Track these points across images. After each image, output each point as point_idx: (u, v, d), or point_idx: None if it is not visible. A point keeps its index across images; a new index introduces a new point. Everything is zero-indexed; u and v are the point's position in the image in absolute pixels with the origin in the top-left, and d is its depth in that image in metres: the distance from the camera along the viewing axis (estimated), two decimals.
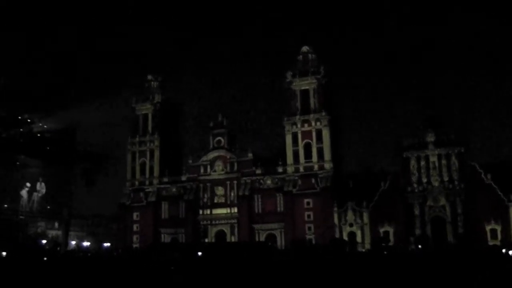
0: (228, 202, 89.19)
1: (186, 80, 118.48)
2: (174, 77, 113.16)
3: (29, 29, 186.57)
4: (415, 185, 76.48)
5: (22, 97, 64.61)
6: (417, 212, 75.11)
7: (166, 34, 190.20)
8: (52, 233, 76.39)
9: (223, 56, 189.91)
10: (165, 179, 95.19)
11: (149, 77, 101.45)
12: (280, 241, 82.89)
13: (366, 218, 77.82)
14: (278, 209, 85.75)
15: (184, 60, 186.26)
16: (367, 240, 75.36)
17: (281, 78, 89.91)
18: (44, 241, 70.96)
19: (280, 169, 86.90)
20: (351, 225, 78.36)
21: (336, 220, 79.35)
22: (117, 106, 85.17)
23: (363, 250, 68.19)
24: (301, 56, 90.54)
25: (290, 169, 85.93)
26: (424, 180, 76.39)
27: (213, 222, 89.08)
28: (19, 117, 63.81)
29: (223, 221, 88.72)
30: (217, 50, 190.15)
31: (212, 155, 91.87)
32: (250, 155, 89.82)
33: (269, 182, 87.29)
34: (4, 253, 56.38)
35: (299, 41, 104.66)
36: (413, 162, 77.27)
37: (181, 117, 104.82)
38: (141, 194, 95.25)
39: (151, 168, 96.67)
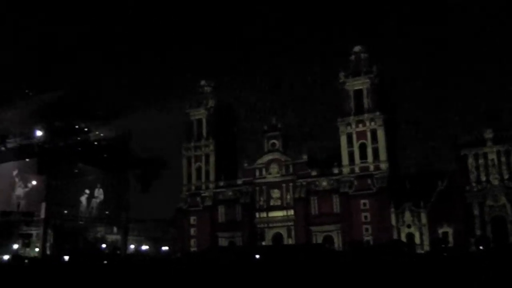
0: (284, 205, 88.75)
1: (238, 84, 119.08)
2: (227, 81, 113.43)
3: (84, 40, 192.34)
4: (474, 184, 73.76)
5: (79, 107, 66.53)
6: (476, 212, 72.37)
7: (218, 39, 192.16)
8: (111, 237, 78.21)
9: (275, 59, 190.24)
10: (221, 183, 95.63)
11: (202, 82, 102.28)
12: (338, 243, 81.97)
13: (424, 219, 75.66)
14: (335, 210, 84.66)
15: (236, 63, 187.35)
16: (426, 241, 73.46)
17: (334, 79, 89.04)
18: (104, 246, 72.66)
19: (335, 170, 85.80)
20: (409, 226, 76.48)
21: (393, 221, 77.69)
22: (171, 112, 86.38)
23: (422, 252, 66.53)
24: (353, 56, 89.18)
25: (345, 170, 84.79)
26: (483, 178, 73.54)
27: (270, 224, 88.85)
28: (76, 127, 65.72)
29: (279, 224, 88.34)
30: (269, 53, 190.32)
31: (267, 158, 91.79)
32: (305, 157, 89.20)
33: (324, 183, 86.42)
34: (66, 257, 58.32)
35: (351, 40, 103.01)
36: (471, 160, 74.57)
37: (235, 121, 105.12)
38: (198, 199, 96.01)
39: (207, 173, 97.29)
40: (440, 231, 73.90)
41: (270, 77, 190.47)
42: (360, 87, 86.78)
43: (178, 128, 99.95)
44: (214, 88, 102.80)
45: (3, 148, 66.41)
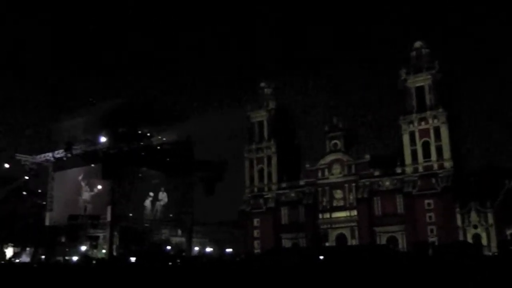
0: (347, 205, 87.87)
1: (299, 85, 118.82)
2: (287, 83, 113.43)
3: (145, 47, 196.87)
4: None
5: (141, 113, 68.22)
6: None
7: (276, 39, 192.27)
8: (175, 239, 79.61)
9: (334, 58, 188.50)
10: (284, 185, 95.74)
11: (262, 84, 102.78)
12: (402, 244, 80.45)
13: (490, 219, 73.02)
14: (398, 211, 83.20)
15: (295, 64, 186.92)
16: (493, 243, 70.79)
17: (395, 76, 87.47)
18: (168, 247, 74.15)
19: (398, 170, 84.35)
20: (475, 226, 73.96)
21: (459, 222, 75.50)
22: (232, 114, 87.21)
23: (490, 254, 64.23)
24: (414, 52, 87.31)
25: (408, 170, 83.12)
26: None
27: (333, 225, 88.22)
28: (139, 132, 67.38)
29: (343, 225, 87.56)
30: (328, 52, 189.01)
31: (329, 158, 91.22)
32: (367, 156, 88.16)
33: (387, 183, 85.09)
34: (133, 259, 59.98)
35: (412, 36, 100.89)
36: None
37: (296, 122, 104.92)
38: (261, 200, 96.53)
39: (269, 174, 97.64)
40: (508, 232, 71.13)
41: (330, 76, 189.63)
42: (422, 84, 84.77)
43: (240, 131, 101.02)
44: (274, 90, 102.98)
45: (69, 155, 68.89)
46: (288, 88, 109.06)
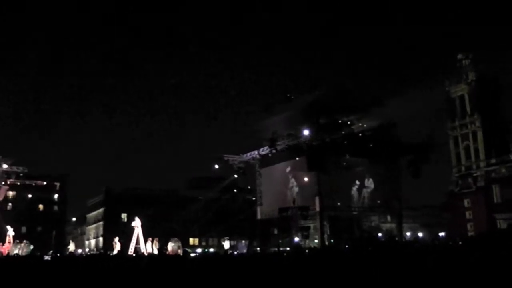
0: None
1: (500, 53, 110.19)
2: (486, 51, 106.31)
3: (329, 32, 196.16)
4: None
5: (339, 102, 67.98)
6: None
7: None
8: (386, 226, 78.36)
9: None
10: (493, 161, 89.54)
11: (459, 56, 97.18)
12: None
13: None
14: None
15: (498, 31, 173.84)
16: None
17: None
18: (379, 234, 73.12)
19: None
20: None
21: None
22: (430, 92, 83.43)
23: None
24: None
25: None
26: None
27: None
28: (339, 121, 67.16)
29: None
30: None
31: None
32: None
33: None
34: (346, 246, 60.13)
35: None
36: None
37: (499, 92, 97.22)
38: (469, 179, 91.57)
39: (476, 151, 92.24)
40: None
41: None
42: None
43: (440, 108, 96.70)
44: (473, 61, 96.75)
45: (273, 151, 70.82)
46: (488, 57, 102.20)
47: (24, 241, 68.38)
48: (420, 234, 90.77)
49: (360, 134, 67.98)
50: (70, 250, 71.81)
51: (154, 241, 66.71)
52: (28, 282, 22.93)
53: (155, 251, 65.61)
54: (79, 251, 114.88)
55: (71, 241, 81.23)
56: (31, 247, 69.46)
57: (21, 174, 74.16)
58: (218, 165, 76.86)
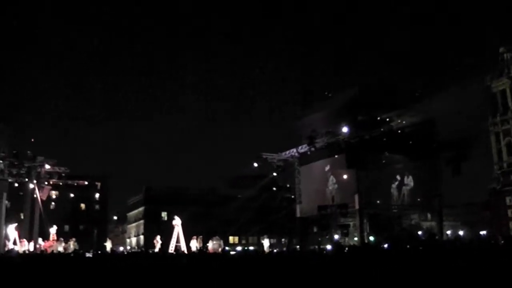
0: None
1: None
2: None
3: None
4: None
5: (377, 99, 67.61)
6: None
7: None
8: (426, 224, 77.59)
9: None
10: None
11: (501, 49, 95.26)
12: None
13: None
14: None
15: None
16: None
17: None
18: (420, 232, 72.44)
19: None
20: None
21: None
22: (470, 87, 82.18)
23: None
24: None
25: None
26: None
27: None
28: (378, 118, 66.76)
29: None
30: None
31: None
32: None
33: None
34: (385, 245, 59.68)
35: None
36: None
37: None
38: (511, 176, 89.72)
39: None
40: None
41: None
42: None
43: (480, 104, 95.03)
44: None
45: (312, 149, 70.80)
46: None
47: (73, 239, 69.99)
48: (461, 233, 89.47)
49: (399, 131, 67.37)
50: (107, 248, 73.06)
51: (199, 239, 67.47)
52: (72, 278, 23.62)
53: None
54: (121, 248, 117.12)
55: (108, 239, 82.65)
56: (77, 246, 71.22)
57: (63, 175, 75.56)
58: (257, 163, 77.17)
